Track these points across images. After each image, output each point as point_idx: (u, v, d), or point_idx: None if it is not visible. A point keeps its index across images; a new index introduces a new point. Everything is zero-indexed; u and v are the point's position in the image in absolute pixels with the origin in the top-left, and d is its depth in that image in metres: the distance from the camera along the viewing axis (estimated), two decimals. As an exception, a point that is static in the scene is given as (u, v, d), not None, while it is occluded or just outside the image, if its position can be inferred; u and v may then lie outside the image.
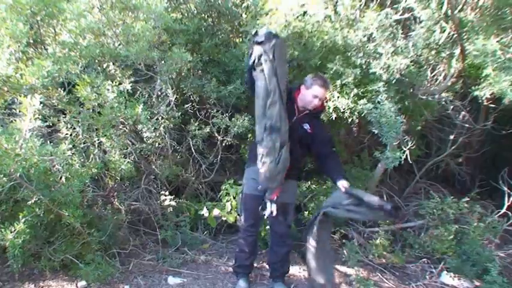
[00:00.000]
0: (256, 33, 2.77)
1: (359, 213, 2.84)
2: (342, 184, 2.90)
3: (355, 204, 2.82)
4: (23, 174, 2.49)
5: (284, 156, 2.72)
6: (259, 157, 2.74)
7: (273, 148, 2.69)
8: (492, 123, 4.39)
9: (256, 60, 2.71)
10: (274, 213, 2.81)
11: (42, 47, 3.28)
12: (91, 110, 3.08)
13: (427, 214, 3.79)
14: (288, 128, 2.78)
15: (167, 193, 3.92)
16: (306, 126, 2.97)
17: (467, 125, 4.39)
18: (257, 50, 2.72)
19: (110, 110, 2.96)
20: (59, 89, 3.22)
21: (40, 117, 2.77)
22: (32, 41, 3.12)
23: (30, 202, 2.69)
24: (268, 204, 2.82)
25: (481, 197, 4.35)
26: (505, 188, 3.79)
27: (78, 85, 2.92)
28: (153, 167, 3.94)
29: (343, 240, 3.92)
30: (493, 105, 3.97)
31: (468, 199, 3.78)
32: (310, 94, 2.92)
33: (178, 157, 4.15)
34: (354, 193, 2.86)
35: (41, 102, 2.47)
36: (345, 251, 3.74)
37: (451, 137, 4.43)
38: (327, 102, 3.45)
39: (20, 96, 2.47)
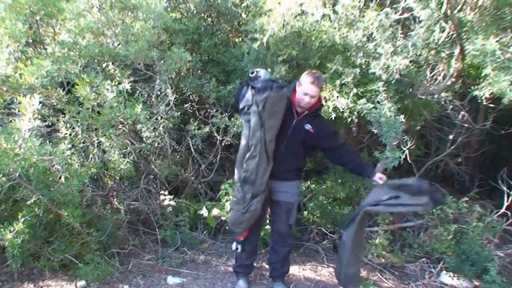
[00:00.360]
0: (254, 73, 2.73)
1: (401, 205, 2.80)
2: (379, 177, 2.90)
3: (395, 197, 2.77)
4: (22, 174, 2.48)
5: (254, 207, 2.78)
6: (231, 199, 2.79)
7: (243, 199, 2.77)
8: (491, 123, 4.39)
9: (245, 109, 2.75)
10: (239, 250, 2.98)
11: (42, 46, 3.28)
12: (90, 110, 3.08)
13: (427, 214, 3.79)
14: (289, 133, 2.88)
15: (166, 193, 3.92)
16: (308, 127, 2.95)
17: (466, 125, 4.39)
18: (249, 95, 2.72)
19: (109, 110, 2.96)
20: (58, 88, 3.22)
21: (39, 117, 2.78)
22: (31, 41, 3.13)
23: (29, 202, 2.70)
24: (234, 243, 3.01)
25: (480, 196, 4.36)
26: (505, 188, 3.79)
27: (77, 85, 2.92)
28: (153, 166, 3.94)
29: (343, 240, 3.92)
30: (492, 105, 3.97)
31: (467, 199, 3.78)
32: (301, 91, 2.88)
33: (177, 157, 4.15)
34: (392, 183, 2.87)
35: (40, 102, 2.47)
36: (344, 251, 3.73)
37: (450, 136, 4.43)
38: (326, 101, 3.45)
39: (19, 96, 2.47)
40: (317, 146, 3.07)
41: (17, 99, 2.67)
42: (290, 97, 2.95)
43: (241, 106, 2.78)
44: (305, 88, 2.85)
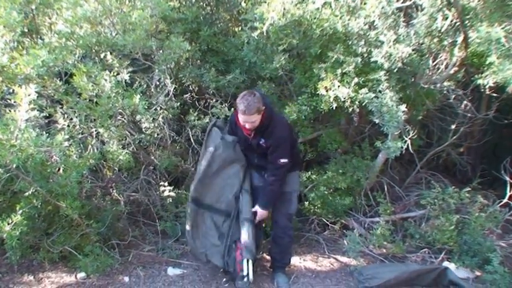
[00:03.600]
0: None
1: None
2: (255, 209, 3.05)
3: None
4: (19, 165, 2.45)
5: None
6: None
7: (189, 214, 3.05)
8: (494, 112, 4.35)
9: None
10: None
11: (38, 36, 3.23)
12: (88, 100, 3.04)
13: (428, 204, 3.77)
14: (252, 148, 3.03)
15: (166, 184, 3.89)
16: (262, 141, 2.93)
17: (469, 115, 4.35)
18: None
19: (106, 100, 2.92)
20: (56, 79, 3.18)
21: (37, 107, 2.74)
22: (27, 30, 3.07)
23: (27, 193, 2.67)
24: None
25: (482, 186, 4.33)
26: (507, 178, 3.76)
27: (74, 75, 2.87)
28: (152, 157, 3.91)
29: (344, 231, 3.91)
30: (495, 95, 3.92)
31: (469, 189, 3.75)
32: (240, 121, 2.86)
33: (177, 147, 4.12)
34: None
35: (37, 93, 2.43)
36: (345, 241, 3.73)
37: (453, 126, 4.39)
38: (327, 90, 3.40)
39: (15, 86, 2.43)
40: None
41: (13, 90, 2.63)
42: (237, 122, 2.96)
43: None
44: (240, 118, 2.83)
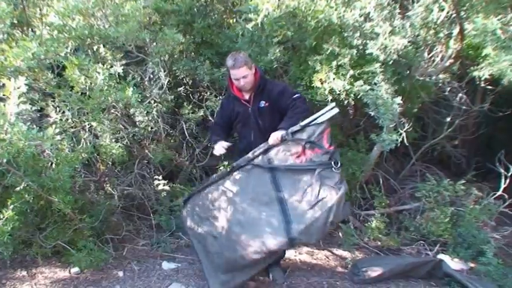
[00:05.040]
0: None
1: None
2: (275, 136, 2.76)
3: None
4: (10, 159, 2.41)
5: None
6: None
7: None
8: (489, 105, 4.35)
9: None
10: None
11: (30, 28, 3.17)
12: (80, 94, 3.00)
13: (423, 197, 3.77)
14: (252, 122, 2.93)
15: (161, 178, 3.87)
16: (262, 104, 2.90)
17: (464, 107, 4.35)
18: None
19: (99, 93, 2.88)
20: (47, 71, 3.13)
21: (28, 101, 2.69)
22: (16, 22, 3.01)
23: (18, 188, 2.63)
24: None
25: (477, 179, 4.35)
26: (502, 170, 3.77)
27: (67, 68, 2.83)
28: (146, 151, 3.87)
29: (339, 223, 3.91)
30: (490, 87, 3.92)
31: (464, 181, 3.76)
32: (232, 78, 2.85)
33: (171, 141, 4.09)
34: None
35: (28, 86, 2.38)
36: (340, 234, 3.73)
37: (448, 119, 4.39)
38: (322, 83, 3.38)
39: (4, 78, 2.38)
40: (281, 111, 2.91)
41: (4, 84, 2.58)
42: (232, 92, 2.94)
43: None
44: (231, 74, 2.82)
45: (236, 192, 2.79)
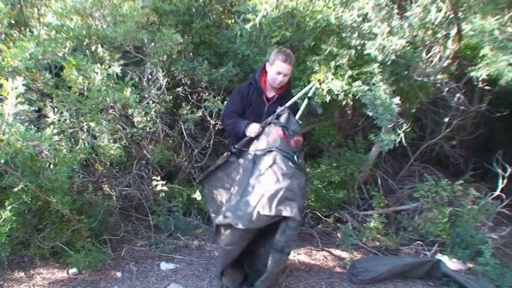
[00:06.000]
0: None
1: None
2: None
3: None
4: (7, 160, 2.40)
5: None
6: None
7: None
8: (486, 105, 4.36)
9: None
10: None
11: (27, 29, 3.16)
12: (78, 94, 2.99)
13: (421, 197, 3.78)
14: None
15: (159, 178, 3.86)
16: (278, 109, 2.86)
17: (461, 108, 4.36)
18: None
19: (97, 94, 2.87)
20: (45, 72, 3.12)
21: (26, 101, 2.68)
22: (14, 22, 3.01)
23: (16, 189, 2.62)
24: None
25: (475, 179, 4.36)
26: (499, 170, 3.78)
27: (65, 68, 2.82)
28: (145, 152, 3.87)
29: (338, 224, 3.92)
30: (488, 88, 3.93)
31: (462, 182, 3.77)
32: (273, 71, 2.84)
33: (170, 142, 4.08)
34: None
35: (26, 86, 2.38)
36: (339, 234, 3.73)
37: (446, 119, 4.40)
38: (320, 83, 3.38)
39: (2, 79, 2.37)
40: None
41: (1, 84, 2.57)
42: (259, 83, 2.92)
43: None
44: (278, 67, 2.81)
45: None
